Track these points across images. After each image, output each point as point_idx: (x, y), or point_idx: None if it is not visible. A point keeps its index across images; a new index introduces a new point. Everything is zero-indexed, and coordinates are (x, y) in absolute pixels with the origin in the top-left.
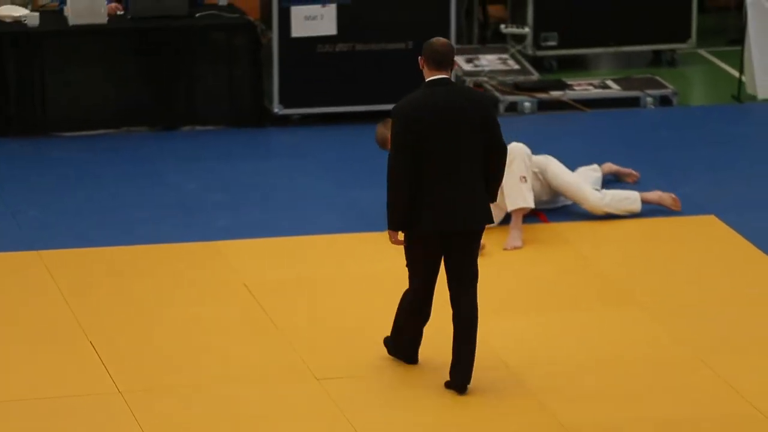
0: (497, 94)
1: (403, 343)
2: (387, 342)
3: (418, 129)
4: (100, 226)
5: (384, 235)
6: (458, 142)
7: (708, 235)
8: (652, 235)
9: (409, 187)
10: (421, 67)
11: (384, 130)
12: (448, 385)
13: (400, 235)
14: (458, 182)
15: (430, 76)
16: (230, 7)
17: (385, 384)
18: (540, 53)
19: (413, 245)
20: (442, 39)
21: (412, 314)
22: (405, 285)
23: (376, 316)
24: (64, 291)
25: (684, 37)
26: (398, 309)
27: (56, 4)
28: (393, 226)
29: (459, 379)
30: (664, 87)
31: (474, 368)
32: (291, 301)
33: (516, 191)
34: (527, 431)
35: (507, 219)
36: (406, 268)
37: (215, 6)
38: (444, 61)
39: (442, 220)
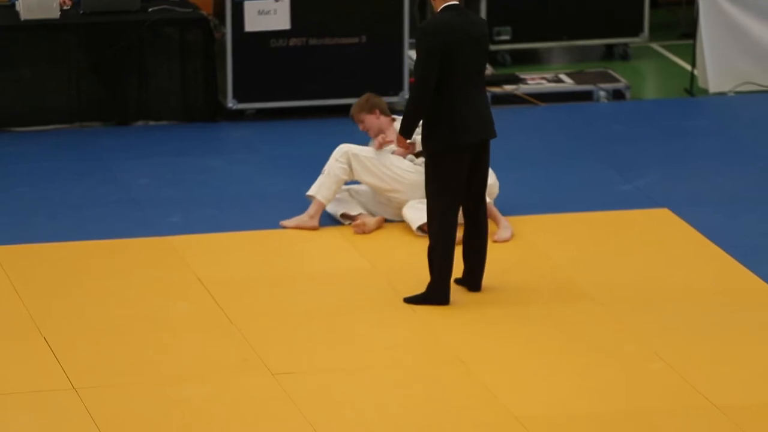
0: None
1: (446, 280)
2: (423, 297)
3: (445, 48)
4: (52, 221)
5: (338, 230)
6: (477, 59)
7: (661, 228)
8: (606, 228)
9: (429, 100)
10: None
11: (365, 102)
12: (461, 283)
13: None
14: (480, 96)
15: (444, 3)
16: (183, 2)
17: (343, 379)
18: (493, 47)
19: (448, 162)
20: None
21: (452, 235)
22: (359, 281)
23: (332, 311)
24: (18, 287)
25: (636, 31)
26: (436, 246)
27: None
28: (406, 133)
29: (478, 282)
30: (616, 81)
31: (427, 364)
32: (245, 296)
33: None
34: (481, 425)
35: None
36: (433, 197)
37: (168, 0)
38: None
39: (478, 131)
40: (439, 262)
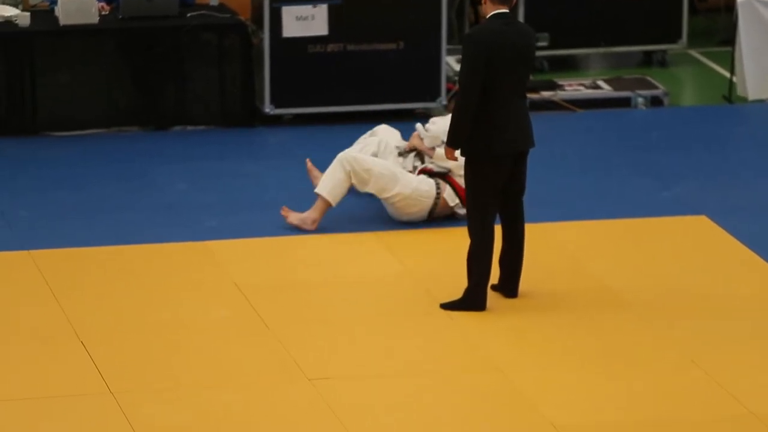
0: None
1: (484, 286)
2: (460, 302)
3: (491, 56)
4: (90, 226)
5: (375, 234)
6: (521, 69)
7: (699, 235)
8: (643, 236)
9: (474, 108)
10: (483, 2)
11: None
12: (497, 289)
13: (456, 153)
14: (521, 105)
15: (493, 10)
16: (221, 8)
17: (379, 385)
18: None
19: (485, 169)
20: None
21: (490, 241)
22: (395, 286)
23: (368, 316)
24: (56, 291)
25: (675, 38)
26: (475, 252)
27: (47, 4)
28: (454, 143)
29: (514, 289)
30: (655, 87)
31: (464, 372)
32: (282, 301)
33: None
34: None
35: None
36: (471, 204)
37: (206, 6)
38: None
39: (516, 141)
40: (477, 267)
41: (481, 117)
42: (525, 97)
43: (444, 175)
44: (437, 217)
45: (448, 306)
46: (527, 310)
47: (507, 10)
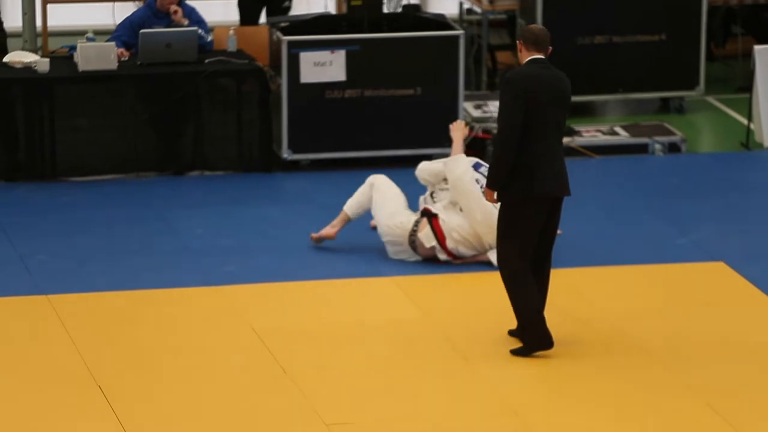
0: None
1: (539, 323)
2: (525, 346)
3: (530, 97)
4: (108, 271)
5: (393, 280)
6: (557, 114)
7: (717, 281)
8: (661, 282)
9: (514, 149)
10: (519, 50)
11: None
12: (516, 335)
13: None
14: (558, 151)
15: (528, 56)
16: (239, 53)
17: (397, 430)
18: None
19: (520, 209)
20: (538, 25)
21: (524, 280)
22: (413, 331)
23: (386, 361)
24: (73, 336)
25: (692, 85)
26: (511, 295)
27: (66, 50)
28: (494, 185)
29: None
30: (672, 134)
31: (482, 416)
32: (300, 346)
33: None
34: None
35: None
36: (502, 244)
37: (224, 52)
38: (541, 43)
39: (553, 186)
40: (520, 308)
41: (522, 159)
42: (562, 142)
43: (432, 217)
44: (425, 257)
45: (518, 352)
46: (545, 356)
47: (543, 56)
